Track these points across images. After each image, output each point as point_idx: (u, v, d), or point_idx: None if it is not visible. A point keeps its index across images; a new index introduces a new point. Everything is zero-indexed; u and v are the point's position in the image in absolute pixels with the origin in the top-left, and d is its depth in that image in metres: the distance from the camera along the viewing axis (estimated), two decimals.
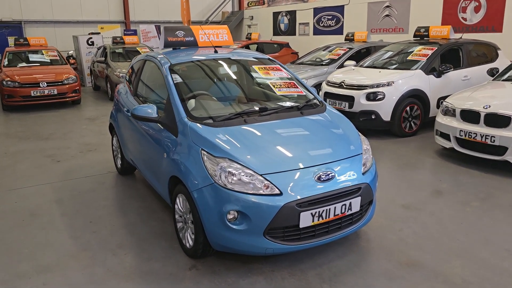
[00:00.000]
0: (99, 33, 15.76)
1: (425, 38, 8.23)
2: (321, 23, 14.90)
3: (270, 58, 4.52)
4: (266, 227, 2.88)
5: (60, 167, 5.82)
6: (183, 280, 3.05)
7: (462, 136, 5.39)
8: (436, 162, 5.70)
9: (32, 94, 10.09)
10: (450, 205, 4.28)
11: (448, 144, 5.66)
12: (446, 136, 5.71)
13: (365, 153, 3.43)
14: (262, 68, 4.21)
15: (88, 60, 14.55)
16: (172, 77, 3.81)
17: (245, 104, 3.93)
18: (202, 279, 3.06)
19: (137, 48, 12.81)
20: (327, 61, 9.57)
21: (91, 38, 14.81)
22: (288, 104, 3.88)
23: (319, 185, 3.00)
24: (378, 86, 6.83)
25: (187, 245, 3.33)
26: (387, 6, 12.38)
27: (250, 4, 19.01)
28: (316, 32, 15.13)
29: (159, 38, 18.36)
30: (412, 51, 7.58)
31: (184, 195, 3.24)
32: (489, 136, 5.08)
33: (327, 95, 7.50)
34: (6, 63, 11.15)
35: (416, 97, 6.97)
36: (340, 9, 14.03)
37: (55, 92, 10.34)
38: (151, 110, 3.65)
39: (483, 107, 5.22)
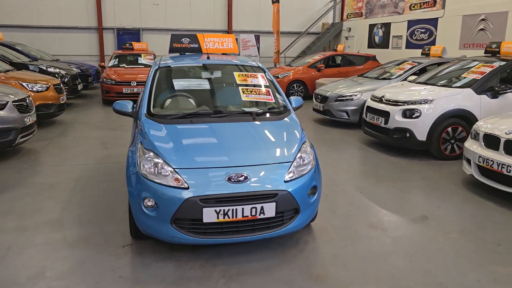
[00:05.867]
0: None
1: (497, 55, 7.42)
2: (414, 36, 14.11)
3: (260, 66, 4.72)
4: (172, 217, 3.14)
5: (103, 152, 6.75)
6: (110, 255, 3.46)
7: (480, 162, 4.85)
8: (453, 189, 5.19)
9: (124, 91, 11.60)
10: (423, 232, 3.96)
11: (469, 171, 5.12)
12: (470, 162, 5.17)
13: (302, 163, 3.45)
14: (241, 75, 4.44)
15: None
16: (152, 78, 4.29)
17: (210, 106, 4.22)
18: (125, 256, 3.45)
19: None
20: (391, 75, 9.17)
21: None
22: (246, 109, 4.07)
23: (228, 185, 3.16)
24: (415, 103, 6.42)
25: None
26: (483, 20, 11.24)
27: (349, 16, 18.79)
28: (409, 45, 14.37)
29: (257, 48, 19.31)
30: (470, 68, 6.92)
31: None
32: (505, 165, 4.50)
33: (368, 109, 7.27)
34: (112, 63, 12.98)
35: (461, 118, 6.37)
36: (434, 22, 13.12)
37: None
38: (128, 105, 4.17)
39: (505, 133, 4.64)
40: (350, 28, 18.47)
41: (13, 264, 3.30)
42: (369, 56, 13.98)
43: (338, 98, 8.78)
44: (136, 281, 3.10)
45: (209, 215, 3.11)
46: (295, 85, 13.21)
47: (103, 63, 13.23)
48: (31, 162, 6.13)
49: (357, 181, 5.42)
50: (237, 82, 4.35)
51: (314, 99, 9.63)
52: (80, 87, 11.80)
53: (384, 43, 15.89)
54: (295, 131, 3.77)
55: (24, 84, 8.19)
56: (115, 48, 18.23)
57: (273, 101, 4.22)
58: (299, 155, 3.50)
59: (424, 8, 13.70)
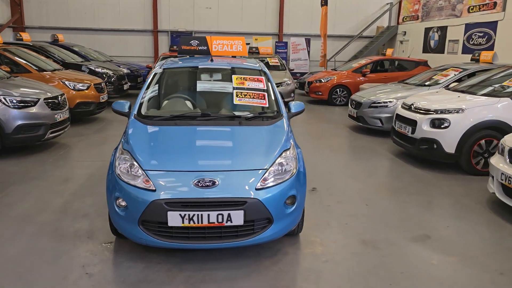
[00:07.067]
0: (249, 43, 17.31)
1: None
2: (471, 41, 13.14)
3: (262, 69, 4.61)
4: (139, 218, 3.13)
5: None
6: (87, 251, 3.53)
7: (502, 180, 4.37)
8: (473, 207, 4.72)
9: None
10: (417, 252, 3.63)
11: (492, 189, 4.64)
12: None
13: (281, 171, 3.30)
14: (239, 78, 4.35)
15: None
16: (150, 80, 4.34)
17: (203, 108, 4.18)
18: (100, 253, 3.50)
19: (267, 58, 13.69)
20: (433, 82, 8.60)
21: None
22: (237, 113, 3.98)
23: (195, 189, 3.09)
24: (445, 111, 5.95)
25: None
26: None
27: (405, 19, 17.94)
28: (465, 50, 13.40)
29: (307, 51, 19.06)
30: None
31: None
32: None
33: (398, 117, 6.85)
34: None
35: (497, 130, 5.78)
36: (493, 25, 12.13)
37: None
38: (125, 105, 4.24)
39: None
40: (405, 32, 17.64)
41: None
42: (420, 61, 13.24)
43: (372, 105, 8.39)
44: (99, 280, 3.12)
45: (174, 219, 3.06)
46: (338, 89, 12.85)
47: (150, 65, 13.74)
48: (58, 156, 6.48)
49: (368, 193, 5.11)
50: (233, 85, 4.28)
51: (349, 104, 9.28)
52: (126, 86, 12.31)
53: (439, 48, 14.98)
54: (279, 137, 3.61)
55: (66, 82, 8.70)
56: (168, 50, 18.86)
57: (267, 105, 4.10)
58: (278, 161, 3.35)
59: (483, 10, 12.73)
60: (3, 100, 6.11)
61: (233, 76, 4.40)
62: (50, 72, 8.96)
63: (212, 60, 4.69)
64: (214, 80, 4.61)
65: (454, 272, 3.33)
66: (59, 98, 6.96)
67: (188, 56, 5.15)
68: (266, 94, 4.19)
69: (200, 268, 3.29)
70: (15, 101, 6.21)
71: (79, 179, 5.39)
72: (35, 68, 8.83)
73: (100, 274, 3.19)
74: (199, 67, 4.65)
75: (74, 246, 3.62)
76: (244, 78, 4.36)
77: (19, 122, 6.18)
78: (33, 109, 6.37)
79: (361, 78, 12.67)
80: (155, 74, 4.45)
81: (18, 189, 4.96)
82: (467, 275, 3.30)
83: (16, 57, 8.81)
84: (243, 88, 4.20)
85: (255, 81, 4.33)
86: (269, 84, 4.37)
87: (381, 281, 3.18)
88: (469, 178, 5.76)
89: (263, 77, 4.43)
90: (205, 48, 5.05)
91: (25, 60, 9.00)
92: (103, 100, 9.48)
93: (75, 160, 6.40)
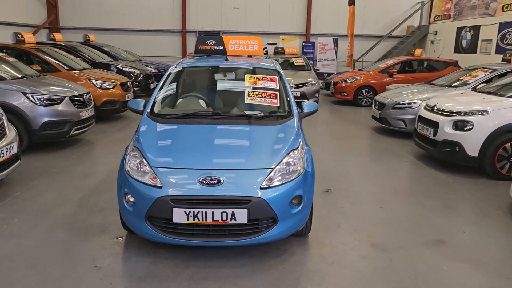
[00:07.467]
0: (275, 43, 17.33)
1: None
2: (505, 41, 12.64)
3: (276, 69, 4.61)
4: (146, 214, 3.20)
5: None
6: (98, 244, 3.63)
7: None
8: (493, 213, 4.55)
9: None
10: (428, 257, 3.53)
11: None
12: None
13: (288, 171, 3.30)
14: (252, 77, 4.37)
15: None
16: (165, 79, 4.43)
17: (215, 107, 4.23)
18: (110, 247, 3.59)
19: (292, 58, 13.63)
20: (461, 83, 8.33)
21: (265, 47, 16.49)
22: (248, 112, 4.00)
23: (200, 187, 3.13)
24: (468, 113, 5.76)
25: None
26: None
27: (437, 18, 17.45)
28: (498, 50, 12.90)
29: (335, 51, 18.85)
30: None
31: None
32: None
33: (420, 119, 6.69)
34: None
35: None
36: None
37: None
38: (140, 104, 4.34)
39: None
40: (436, 31, 17.16)
41: (8, 246, 3.61)
42: (450, 61, 12.85)
43: (396, 106, 8.22)
44: (107, 273, 3.21)
45: (179, 215, 3.11)
46: (364, 90, 12.65)
47: None
48: (82, 152, 6.69)
49: (383, 195, 5.02)
50: (246, 85, 4.30)
51: (373, 105, 9.13)
52: (152, 86, 12.55)
53: (471, 48, 14.49)
54: (288, 137, 3.60)
55: (93, 81, 8.96)
56: None
57: (278, 105, 4.10)
58: (285, 161, 3.35)
59: None
60: (31, 97, 6.36)
61: (246, 75, 4.43)
62: (78, 71, 9.25)
63: (227, 60, 4.73)
64: (228, 80, 4.65)
65: (464, 278, 3.23)
66: (85, 96, 7.18)
67: (205, 56, 5.21)
68: (277, 94, 4.19)
69: (205, 265, 3.33)
70: (42, 99, 6.45)
71: (99, 175, 5.54)
72: (65, 67, 9.15)
73: (109, 268, 3.28)
74: (216, 66, 4.70)
75: (87, 239, 3.73)
76: (256, 77, 4.37)
77: (46, 119, 6.42)
78: (59, 107, 6.60)
79: (388, 78, 12.42)
80: (170, 73, 4.53)
81: (41, 184, 5.16)
82: (477, 282, 3.19)
83: (47, 57, 9.15)
84: (256, 88, 4.22)
85: (267, 80, 4.34)
86: (282, 84, 4.37)
87: (386, 285, 3.13)
88: (492, 183, 5.56)
89: (277, 77, 4.43)
90: (221, 47, 5.10)
91: (55, 59, 9.32)
92: (129, 99, 9.70)
93: (98, 156, 6.59)
